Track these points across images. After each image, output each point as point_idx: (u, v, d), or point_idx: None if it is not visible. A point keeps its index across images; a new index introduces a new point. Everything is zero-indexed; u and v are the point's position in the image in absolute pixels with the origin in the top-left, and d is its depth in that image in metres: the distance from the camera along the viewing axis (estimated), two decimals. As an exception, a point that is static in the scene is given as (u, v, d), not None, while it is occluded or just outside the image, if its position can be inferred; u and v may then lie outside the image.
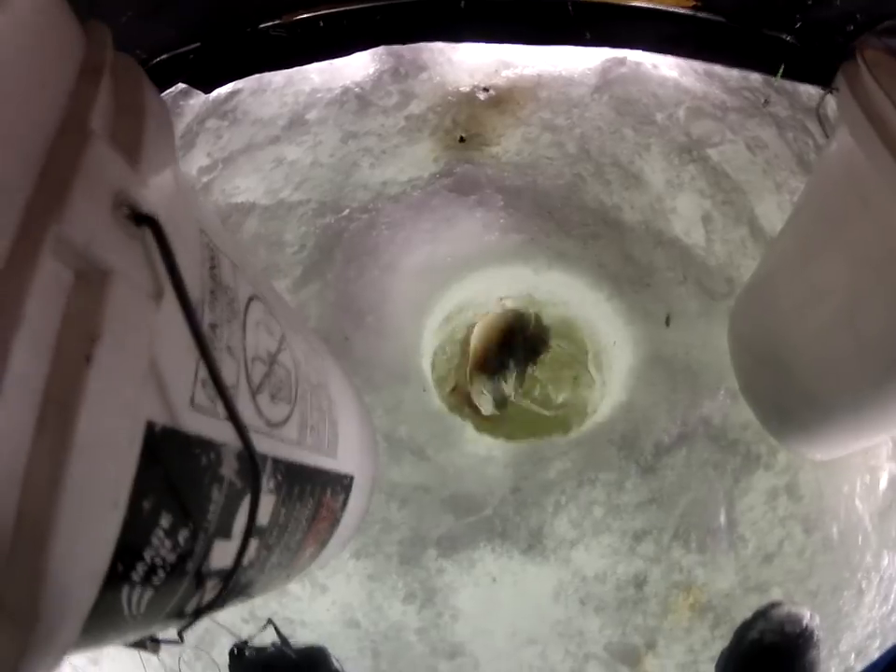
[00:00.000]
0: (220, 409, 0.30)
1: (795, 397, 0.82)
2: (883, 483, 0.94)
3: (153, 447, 0.25)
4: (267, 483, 0.39)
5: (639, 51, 1.07)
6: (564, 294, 0.88)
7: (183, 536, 0.30)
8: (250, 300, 0.39)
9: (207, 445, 0.30)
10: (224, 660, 0.72)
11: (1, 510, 0.18)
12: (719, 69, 1.09)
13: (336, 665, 0.77)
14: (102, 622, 0.27)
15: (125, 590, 0.27)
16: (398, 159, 0.96)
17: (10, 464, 0.18)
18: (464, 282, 0.86)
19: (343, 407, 0.60)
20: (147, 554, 0.27)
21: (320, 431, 0.50)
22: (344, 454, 0.57)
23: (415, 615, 0.81)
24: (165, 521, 0.28)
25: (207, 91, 1.09)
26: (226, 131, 1.06)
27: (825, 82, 0.79)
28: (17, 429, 0.17)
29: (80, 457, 0.19)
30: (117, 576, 0.25)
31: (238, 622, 0.87)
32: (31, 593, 0.19)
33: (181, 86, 1.08)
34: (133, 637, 0.36)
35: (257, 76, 1.06)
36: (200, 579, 0.34)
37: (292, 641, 0.74)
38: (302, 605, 0.84)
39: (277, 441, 0.40)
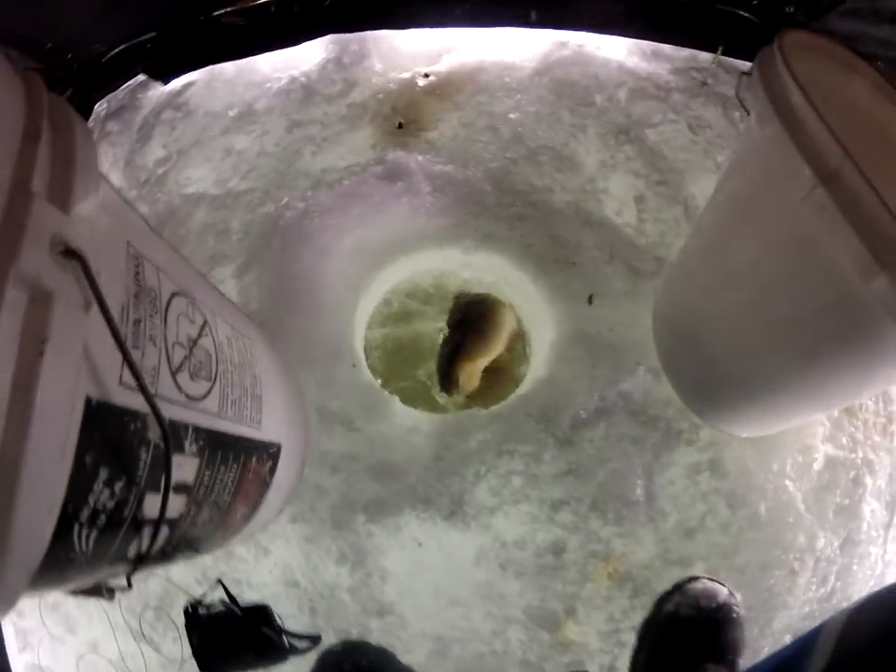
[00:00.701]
0: (143, 386, 0.39)
1: (714, 377, 0.84)
2: (818, 464, 0.94)
3: (91, 416, 0.33)
4: (189, 447, 0.46)
5: (584, 33, 1.07)
6: (491, 274, 0.91)
7: (118, 486, 0.37)
8: (172, 296, 0.47)
9: (134, 415, 0.38)
10: (182, 620, 0.77)
11: None
12: (666, 49, 1.09)
13: (278, 621, 0.84)
14: (59, 557, 0.34)
15: (75, 528, 0.34)
16: (338, 146, 0.99)
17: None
18: (395, 264, 0.90)
19: (270, 384, 0.66)
20: (91, 500, 0.35)
21: (242, 405, 0.56)
22: (270, 425, 0.63)
23: (347, 576, 0.87)
24: (104, 473, 0.35)
25: (165, 80, 1.14)
26: (180, 122, 1.11)
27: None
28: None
29: (38, 423, 0.28)
30: (68, 516, 0.33)
31: (193, 583, 0.94)
32: (1, 525, 0.28)
33: (140, 78, 1.13)
34: (89, 579, 0.44)
35: (209, 67, 1.11)
36: (136, 525, 0.42)
37: (240, 600, 0.80)
38: (248, 567, 0.91)
39: (198, 413, 0.47)
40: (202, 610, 0.80)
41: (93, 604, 1.02)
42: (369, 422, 0.85)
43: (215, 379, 0.50)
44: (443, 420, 0.86)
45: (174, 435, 0.42)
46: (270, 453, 0.63)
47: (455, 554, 0.86)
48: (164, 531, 0.45)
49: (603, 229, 0.93)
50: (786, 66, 0.54)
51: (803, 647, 0.43)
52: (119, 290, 0.38)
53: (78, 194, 0.33)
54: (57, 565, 0.35)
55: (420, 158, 0.93)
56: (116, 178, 1.07)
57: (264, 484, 0.65)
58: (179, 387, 0.44)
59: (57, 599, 1.03)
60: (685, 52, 1.06)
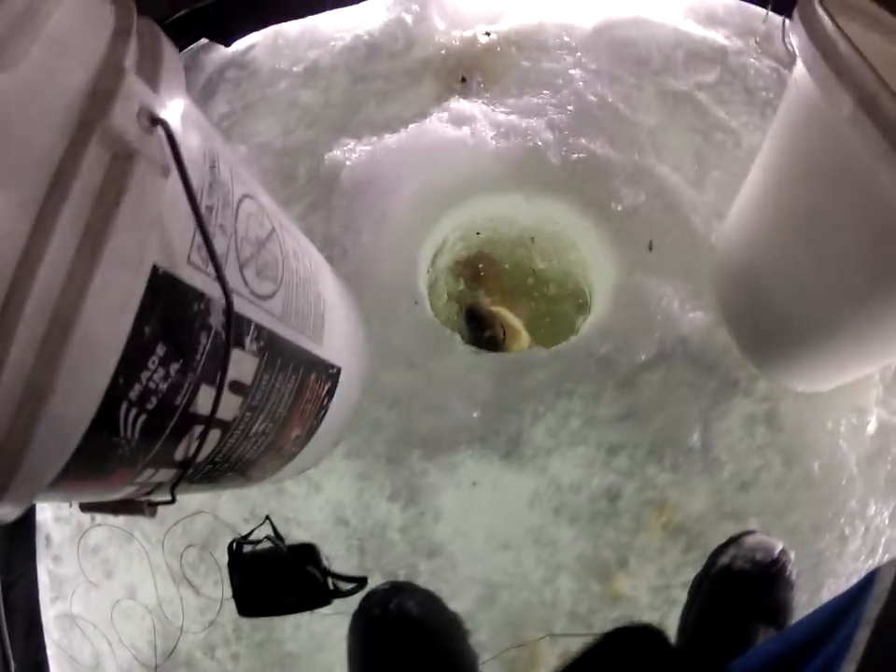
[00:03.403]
0: (211, 269, 0.38)
1: (772, 322, 0.83)
2: (871, 428, 0.92)
3: (156, 285, 0.32)
4: (250, 345, 0.45)
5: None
6: (554, 219, 0.92)
7: (174, 368, 0.35)
8: (244, 196, 0.46)
9: (199, 295, 0.37)
10: (225, 562, 0.73)
11: (43, 304, 0.26)
12: (720, 13, 1.11)
13: (325, 562, 0.82)
14: (102, 437, 0.33)
15: (123, 406, 0.33)
16: (403, 98, 1.02)
17: (55, 269, 0.27)
18: (458, 208, 0.91)
19: (333, 307, 0.65)
20: (144, 377, 0.33)
21: (305, 316, 0.55)
22: (331, 346, 0.62)
23: (399, 513, 0.86)
24: (160, 350, 0.34)
25: (227, 42, 1.18)
26: (245, 80, 1.15)
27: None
28: (65, 248, 0.27)
29: (104, 271, 0.27)
30: (118, 388, 0.31)
31: (240, 521, 0.94)
32: (52, 363, 0.26)
33: (203, 41, 1.17)
34: (131, 481, 0.40)
35: (273, 27, 1.15)
36: (187, 420, 0.40)
37: (287, 540, 0.78)
38: (298, 504, 0.91)
39: (261, 311, 0.46)
40: (246, 548, 0.77)
41: (135, 547, 1.02)
42: (429, 358, 0.85)
43: (280, 283, 0.49)
44: (503, 358, 0.87)
45: (236, 326, 0.40)
46: (329, 374, 0.62)
47: (510, 496, 0.85)
48: (215, 434, 0.44)
49: (662, 181, 0.94)
50: (822, 6, 0.56)
51: (854, 595, 0.42)
52: (195, 174, 0.37)
53: (165, 81, 0.34)
54: (100, 446, 0.33)
55: (484, 107, 0.95)
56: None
57: (322, 407, 0.63)
58: (245, 281, 0.43)
59: (98, 542, 1.03)
60: (739, 18, 1.08)
